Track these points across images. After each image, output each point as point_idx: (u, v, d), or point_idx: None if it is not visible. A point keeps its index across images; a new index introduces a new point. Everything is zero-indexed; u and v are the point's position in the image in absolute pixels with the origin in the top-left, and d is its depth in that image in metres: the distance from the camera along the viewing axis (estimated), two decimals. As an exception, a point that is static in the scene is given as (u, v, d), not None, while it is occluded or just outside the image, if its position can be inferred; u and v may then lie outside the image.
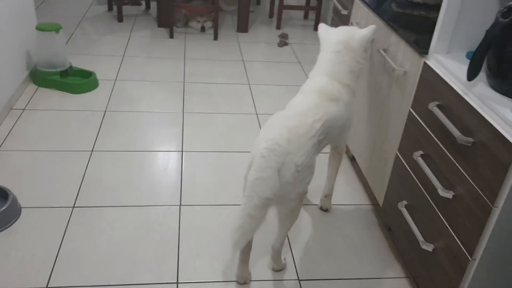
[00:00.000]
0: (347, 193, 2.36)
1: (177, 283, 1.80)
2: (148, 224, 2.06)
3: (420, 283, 1.76)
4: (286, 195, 1.62)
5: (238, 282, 1.81)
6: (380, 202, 2.10)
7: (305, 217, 2.17)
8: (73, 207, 2.11)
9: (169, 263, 1.88)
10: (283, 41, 4.20)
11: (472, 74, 1.41)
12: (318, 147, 1.71)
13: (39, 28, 3.03)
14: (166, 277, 1.82)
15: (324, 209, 2.23)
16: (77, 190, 2.21)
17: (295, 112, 1.70)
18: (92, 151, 2.51)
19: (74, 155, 2.46)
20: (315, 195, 2.28)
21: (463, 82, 1.49)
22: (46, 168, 2.35)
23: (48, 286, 1.74)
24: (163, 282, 1.79)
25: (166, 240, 1.98)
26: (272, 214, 1.67)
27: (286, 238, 1.95)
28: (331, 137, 1.83)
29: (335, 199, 2.26)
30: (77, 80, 3.14)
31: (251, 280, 1.83)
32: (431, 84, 1.64)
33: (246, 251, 1.76)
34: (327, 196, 2.21)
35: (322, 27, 1.99)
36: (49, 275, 1.78)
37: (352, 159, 2.58)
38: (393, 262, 1.97)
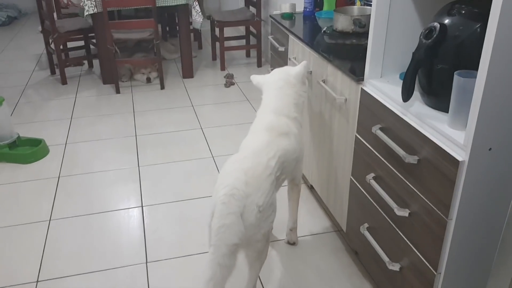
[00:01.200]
0: (311, 223, 2.38)
1: None
2: (116, 287, 2.00)
3: (393, 302, 1.78)
4: (252, 237, 1.62)
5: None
6: (344, 227, 2.13)
7: (274, 255, 2.17)
8: (37, 281, 2.04)
9: (143, 325, 1.83)
10: (229, 81, 4.27)
11: (406, 96, 1.48)
12: (276, 184, 1.74)
13: (-19, 103, 2.98)
14: None
15: (291, 243, 2.23)
16: (39, 263, 2.14)
17: (249, 153, 1.73)
18: (49, 220, 2.44)
19: (32, 228, 2.38)
20: (280, 230, 2.29)
21: (399, 103, 1.55)
22: (4, 245, 2.26)
23: None
24: None
25: (136, 302, 1.93)
26: (241, 258, 1.66)
27: (258, 279, 1.94)
28: (287, 171, 1.87)
29: (300, 230, 2.27)
30: (27, 150, 3.08)
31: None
32: (371, 109, 1.71)
33: (219, 302, 1.73)
34: (292, 229, 2.22)
35: (255, 76, 2.08)
36: None
37: (311, 187, 2.62)
38: (364, 286, 1.99)
